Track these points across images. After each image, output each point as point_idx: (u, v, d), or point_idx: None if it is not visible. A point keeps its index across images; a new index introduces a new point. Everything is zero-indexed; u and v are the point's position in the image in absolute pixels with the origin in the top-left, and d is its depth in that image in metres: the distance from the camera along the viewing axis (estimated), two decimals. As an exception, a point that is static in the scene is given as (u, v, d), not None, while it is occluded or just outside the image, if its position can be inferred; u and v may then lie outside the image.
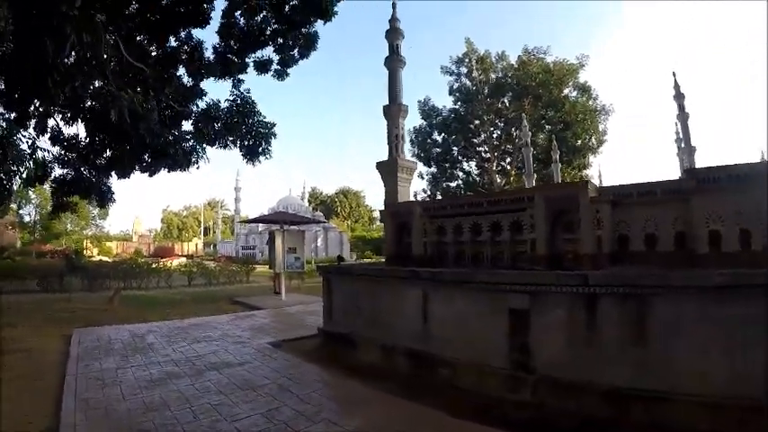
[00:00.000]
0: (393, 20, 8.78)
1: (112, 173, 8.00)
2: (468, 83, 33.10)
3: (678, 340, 3.58)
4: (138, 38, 7.45)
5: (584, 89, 30.41)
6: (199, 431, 3.73)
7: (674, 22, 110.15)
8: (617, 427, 3.62)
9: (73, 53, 5.24)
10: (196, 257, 42.29)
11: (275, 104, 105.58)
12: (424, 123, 33.95)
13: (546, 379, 4.17)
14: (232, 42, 7.80)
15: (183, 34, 7.71)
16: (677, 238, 4.59)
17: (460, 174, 34.49)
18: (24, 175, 5.91)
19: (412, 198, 10.32)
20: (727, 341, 3.40)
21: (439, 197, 30.02)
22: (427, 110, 33.70)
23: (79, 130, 7.62)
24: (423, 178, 34.24)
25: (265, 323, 9.29)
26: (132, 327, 8.64)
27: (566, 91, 30.62)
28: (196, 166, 7.45)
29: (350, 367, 5.69)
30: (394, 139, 8.41)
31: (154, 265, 19.50)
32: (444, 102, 38.53)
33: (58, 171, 7.77)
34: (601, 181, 24.63)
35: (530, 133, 21.41)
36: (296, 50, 7.95)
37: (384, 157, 8.53)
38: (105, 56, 5.47)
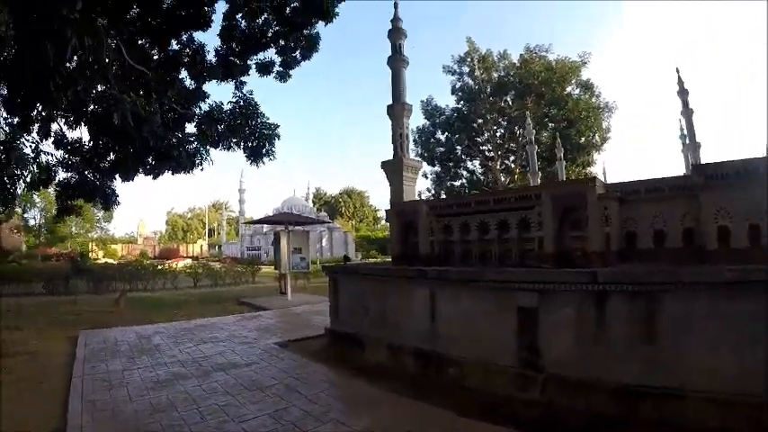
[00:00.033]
0: (395, 19, 8.77)
1: (116, 176, 8.00)
2: (470, 82, 33.08)
3: (688, 337, 3.55)
4: (139, 41, 7.45)
5: (587, 86, 30.34)
6: (206, 432, 3.72)
7: (674, 22, 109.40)
8: (626, 425, 3.58)
9: (75, 57, 5.23)
10: (201, 259, 42.52)
11: (278, 106, 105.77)
12: (428, 123, 34.01)
13: (554, 377, 4.13)
14: (234, 45, 7.81)
15: (184, 37, 7.72)
16: (686, 235, 4.55)
17: (464, 173, 34.53)
18: (28, 179, 5.95)
19: (417, 197, 10.29)
20: (737, 337, 3.36)
21: (443, 196, 29.98)
22: (430, 109, 33.73)
23: (82, 133, 7.63)
24: (427, 178, 34.33)
25: (272, 323, 9.30)
26: (139, 328, 8.66)
27: (568, 88, 30.56)
28: (200, 167, 7.44)
29: (357, 367, 5.68)
30: (398, 139, 8.40)
31: (159, 267, 19.58)
32: (447, 101, 38.44)
33: (62, 175, 7.80)
34: (605, 178, 24.51)
35: (533, 131, 21.40)
36: (297, 52, 7.97)
37: (387, 157, 8.52)
38: (107, 59, 5.47)
